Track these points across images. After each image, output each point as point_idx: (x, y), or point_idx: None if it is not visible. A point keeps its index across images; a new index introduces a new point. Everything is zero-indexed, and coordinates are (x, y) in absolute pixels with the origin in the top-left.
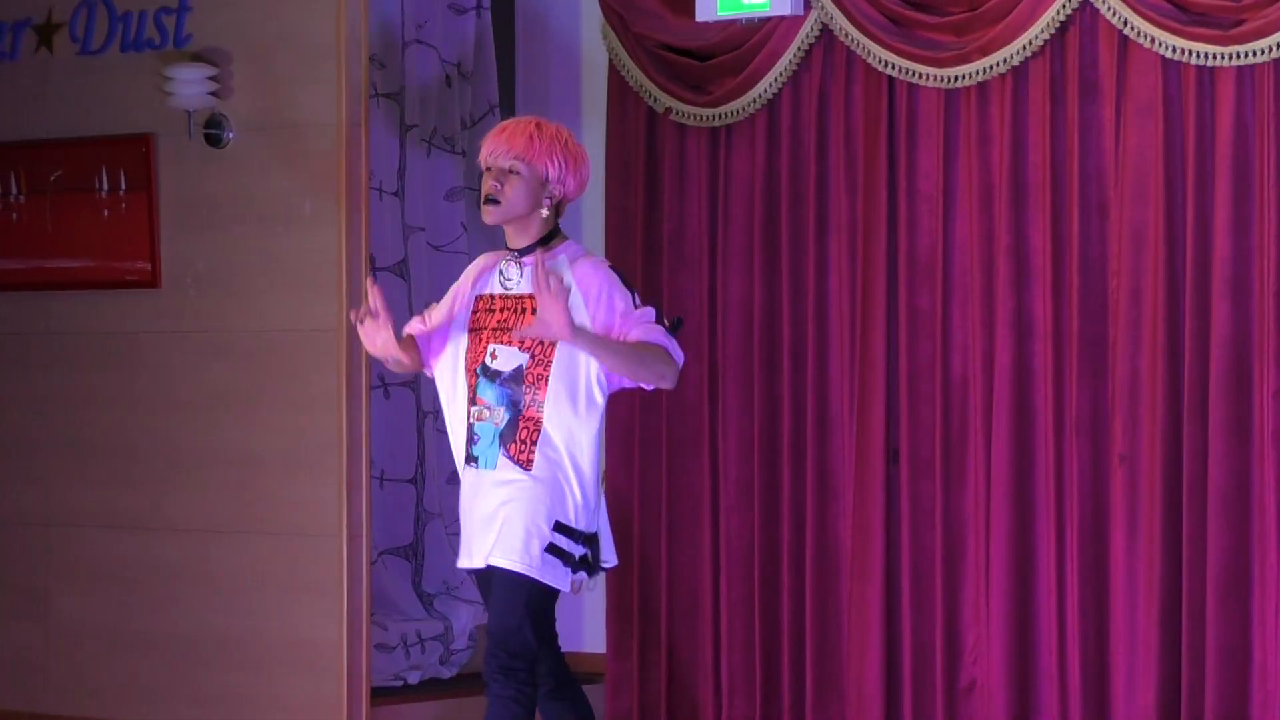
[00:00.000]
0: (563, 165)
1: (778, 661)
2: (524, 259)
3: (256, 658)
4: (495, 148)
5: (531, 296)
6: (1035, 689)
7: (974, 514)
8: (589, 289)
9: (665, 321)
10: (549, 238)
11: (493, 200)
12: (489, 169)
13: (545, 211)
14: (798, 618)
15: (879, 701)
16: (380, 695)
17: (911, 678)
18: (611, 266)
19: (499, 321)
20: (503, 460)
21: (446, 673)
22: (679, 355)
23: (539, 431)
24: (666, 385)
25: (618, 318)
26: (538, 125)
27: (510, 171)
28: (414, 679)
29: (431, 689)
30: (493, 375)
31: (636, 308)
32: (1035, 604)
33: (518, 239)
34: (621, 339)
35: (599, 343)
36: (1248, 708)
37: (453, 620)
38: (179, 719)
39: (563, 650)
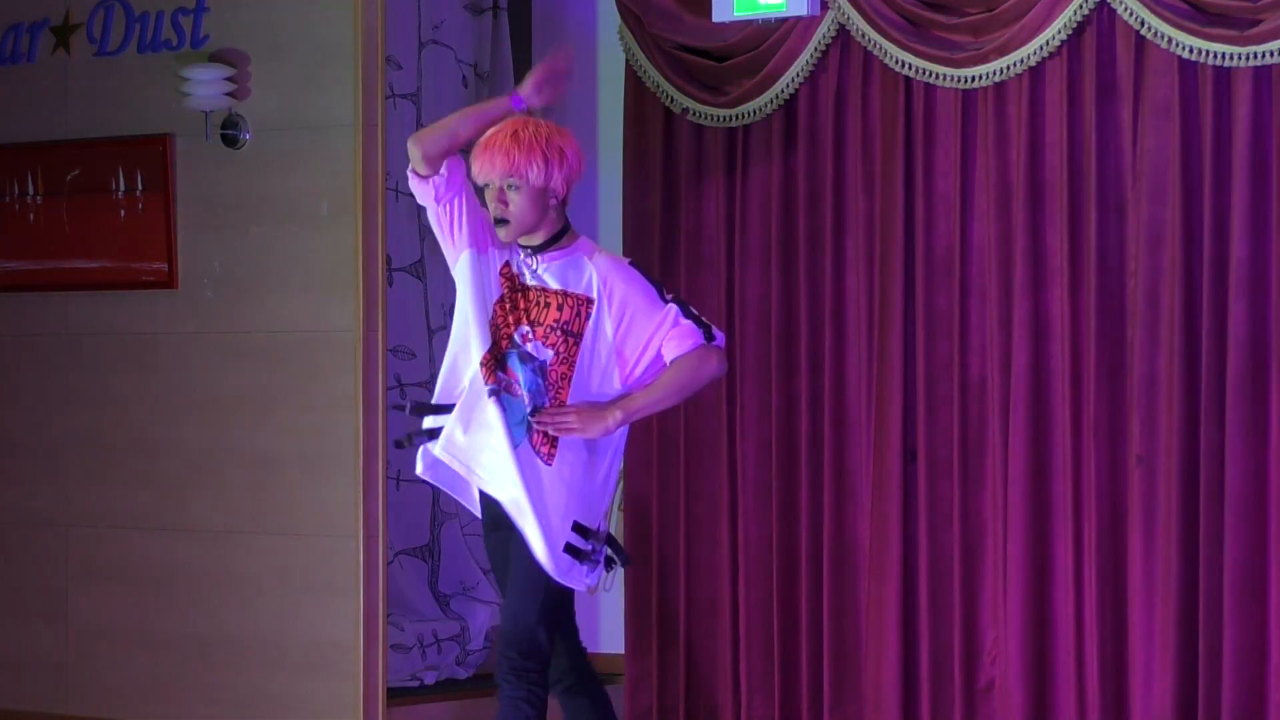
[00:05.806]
0: (550, 164)
1: (796, 661)
2: (542, 256)
3: (273, 658)
4: (481, 167)
5: (557, 291)
6: (1053, 689)
7: (992, 514)
8: (611, 291)
9: (693, 311)
10: (560, 234)
11: (503, 221)
12: (486, 187)
13: (553, 212)
14: (816, 617)
15: (897, 701)
16: (397, 695)
17: (929, 677)
18: (631, 263)
19: (532, 314)
20: (525, 445)
21: (463, 673)
22: (719, 338)
23: None
24: (720, 377)
25: (651, 328)
26: (513, 135)
27: (507, 188)
28: (430, 679)
29: (448, 689)
30: (526, 357)
31: (665, 300)
32: (1053, 604)
33: (531, 238)
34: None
35: (648, 405)
36: (1265, 708)
37: (469, 621)
38: (196, 719)
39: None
